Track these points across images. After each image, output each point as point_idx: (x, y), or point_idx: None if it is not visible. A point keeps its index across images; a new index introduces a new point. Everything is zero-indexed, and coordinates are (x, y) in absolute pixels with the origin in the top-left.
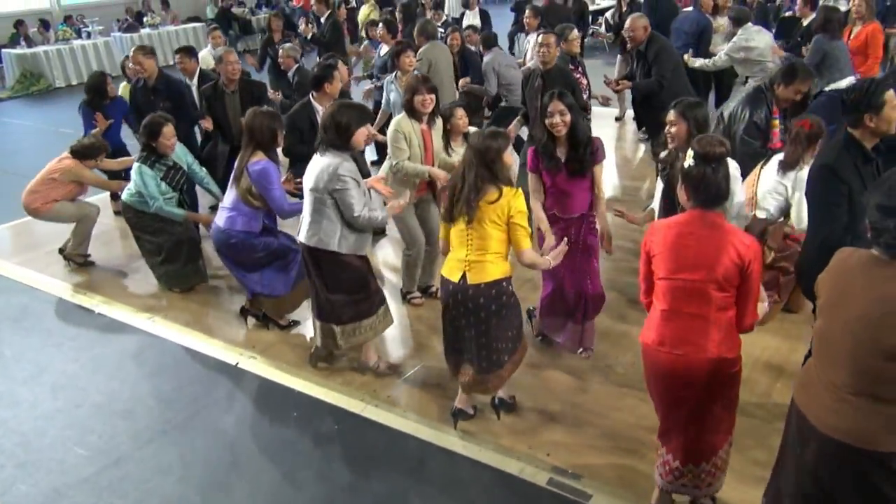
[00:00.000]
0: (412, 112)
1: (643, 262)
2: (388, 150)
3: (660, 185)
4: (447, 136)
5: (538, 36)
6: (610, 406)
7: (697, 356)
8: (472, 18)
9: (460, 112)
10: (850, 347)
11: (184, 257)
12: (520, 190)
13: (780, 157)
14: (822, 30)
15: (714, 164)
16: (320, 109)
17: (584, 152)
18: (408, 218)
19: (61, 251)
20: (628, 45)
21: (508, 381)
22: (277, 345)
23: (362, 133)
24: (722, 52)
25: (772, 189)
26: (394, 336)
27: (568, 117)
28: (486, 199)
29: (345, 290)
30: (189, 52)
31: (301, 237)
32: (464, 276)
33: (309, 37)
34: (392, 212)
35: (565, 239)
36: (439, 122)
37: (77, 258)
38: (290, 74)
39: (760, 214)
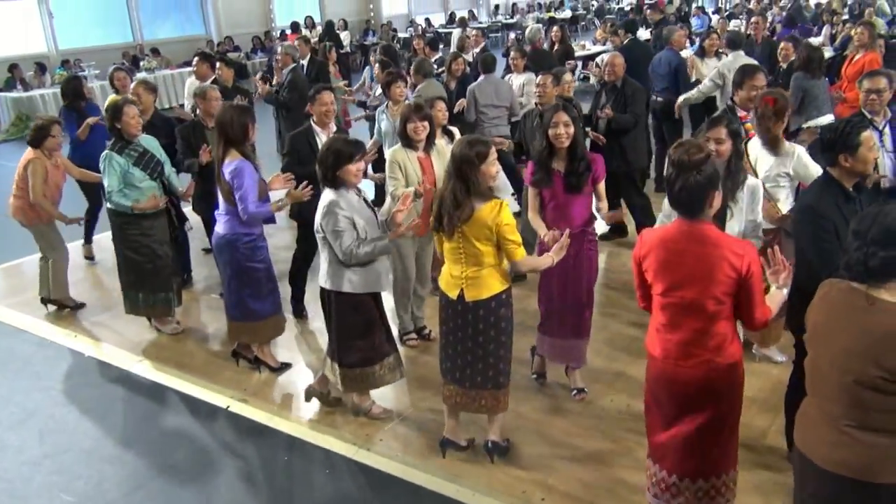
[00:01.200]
0: (407, 141)
1: (635, 270)
2: (387, 179)
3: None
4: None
5: (537, 77)
6: (607, 449)
7: (699, 367)
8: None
9: (440, 104)
10: (838, 380)
11: (152, 285)
12: (504, 202)
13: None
14: (803, 68)
15: (691, 171)
16: (318, 131)
17: (582, 168)
18: (405, 250)
19: (44, 301)
20: (605, 79)
21: (502, 422)
22: (268, 388)
23: (351, 169)
24: (707, 78)
25: (773, 177)
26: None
27: (571, 129)
28: (466, 215)
29: (352, 334)
30: (203, 56)
31: (319, 280)
32: (462, 293)
33: (264, 93)
34: (395, 236)
35: (567, 231)
36: (442, 147)
37: (67, 301)
38: (284, 72)
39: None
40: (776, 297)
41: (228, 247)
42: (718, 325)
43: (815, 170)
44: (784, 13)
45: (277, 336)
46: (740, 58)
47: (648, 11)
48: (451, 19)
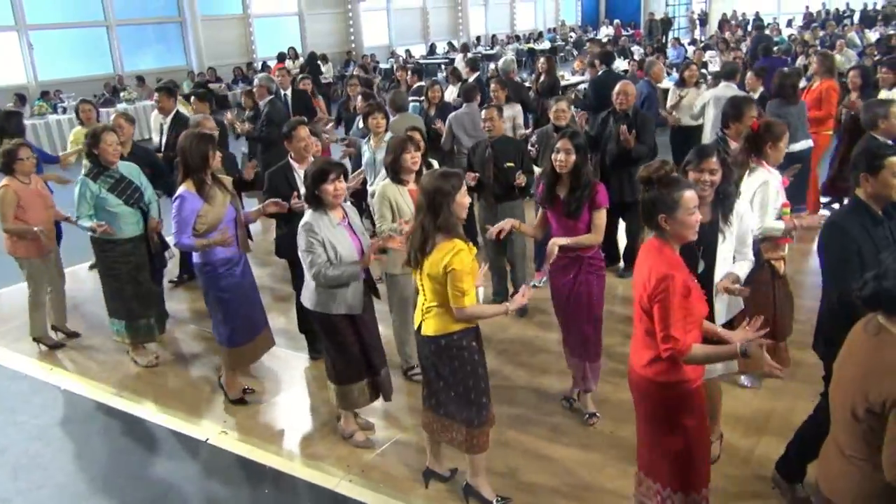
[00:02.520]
0: (397, 175)
1: None
2: (375, 214)
3: None
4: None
5: (483, 111)
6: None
7: (633, 370)
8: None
9: (416, 135)
10: (839, 407)
11: (134, 310)
12: (464, 246)
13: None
14: (778, 95)
15: (645, 186)
16: (296, 167)
17: (581, 195)
18: (403, 290)
19: (36, 340)
20: (617, 108)
21: (482, 467)
22: (249, 419)
23: (328, 189)
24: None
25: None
26: (371, 407)
27: (572, 157)
28: (428, 249)
29: (329, 351)
30: (169, 91)
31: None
32: (420, 326)
33: (239, 131)
34: (365, 264)
35: (528, 288)
36: None
37: (64, 329)
38: (262, 104)
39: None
40: (722, 349)
41: (198, 273)
42: (646, 334)
43: (766, 208)
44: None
45: (245, 366)
46: (731, 89)
47: (589, 44)
48: (431, 50)
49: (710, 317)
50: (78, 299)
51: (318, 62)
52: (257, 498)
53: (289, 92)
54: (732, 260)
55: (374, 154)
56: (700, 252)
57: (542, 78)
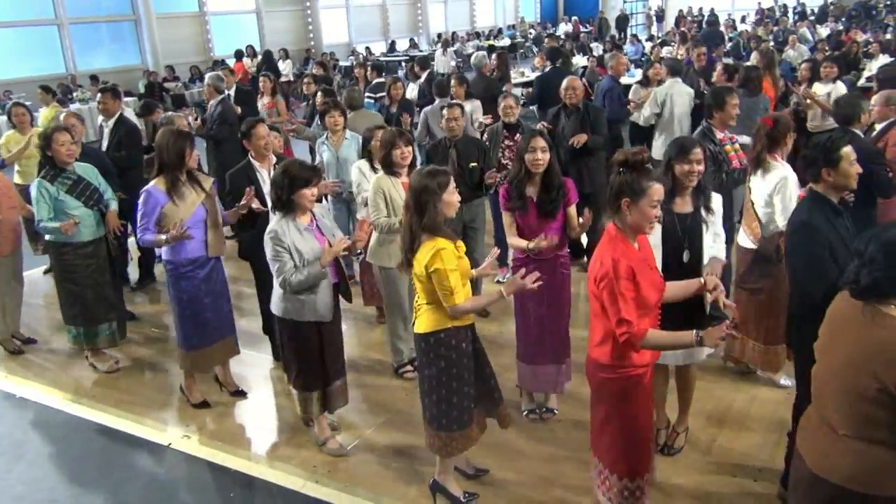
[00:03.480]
0: (390, 168)
1: None
2: (369, 206)
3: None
4: (370, 157)
5: (443, 109)
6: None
7: (588, 356)
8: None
9: (378, 133)
10: (839, 390)
11: (94, 316)
12: (445, 248)
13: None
14: (743, 86)
15: (616, 168)
16: (258, 166)
17: (556, 194)
18: (399, 284)
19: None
20: (567, 103)
21: (448, 468)
22: (213, 423)
23: (306, 194)
24: (645, 106)
25: (765, 200)
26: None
27: (547, 155)
28: (415, 247)
29: (292, 358)
30: (114, 93)
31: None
32: (413, 323)
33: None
34: (325, 263)
35: (522, 271)
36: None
37: (19, 336)
38: (212, 104)
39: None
40: (683, 336)
41: (167, 272)
42: (596, 317)
43: (788, 204)
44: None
45: (200, 372)
46: (677, 84)
47: (547, 40)
48: (391, 47)
49: (701, 304)
50: (31, 304)
51: (278, 60)
52: (223, 502)
53: (232, 91)
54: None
55: (337, 152)
56: (686, 243)
57: (493, 73)
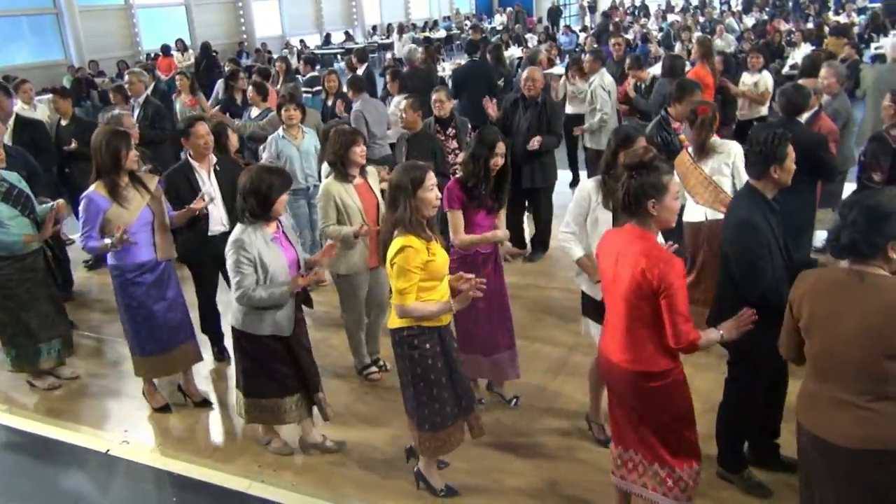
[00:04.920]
0: (344, 173)
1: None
2: (318, 213)
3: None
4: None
5: (401, 103)
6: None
7: (616, 364)
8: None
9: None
10: (857, 358)
11: (37, 335)
12: (414, 244)
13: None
14: (669, 74)
15: (631, 172)
16: (196, 166)
17: (504, 190)
18: (358, 289)
19: None
20: (525, 94)
21: (431, 466)
22: (151, 426)
23: (283, 200)
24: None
25: (717, 169)
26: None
27: (503, 159)
28: (383, 240)
29: (245, 367)
30: (5, 90)
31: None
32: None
33: None
34: (293, 290)
35: (479, 280)
36: (372, 170)
37: None
38: (137, 101)
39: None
40: (711, 335)
41: (111, 277)
42: (632, 325)
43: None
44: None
45: (155, 377)
46: (606, 74)
47: (471, 32)
48: (326, 40)
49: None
50: None
51: (214, 53)
52: None
53: (149, 91)
54: None
55: (299, 146)
56: None
57: (422, 68)
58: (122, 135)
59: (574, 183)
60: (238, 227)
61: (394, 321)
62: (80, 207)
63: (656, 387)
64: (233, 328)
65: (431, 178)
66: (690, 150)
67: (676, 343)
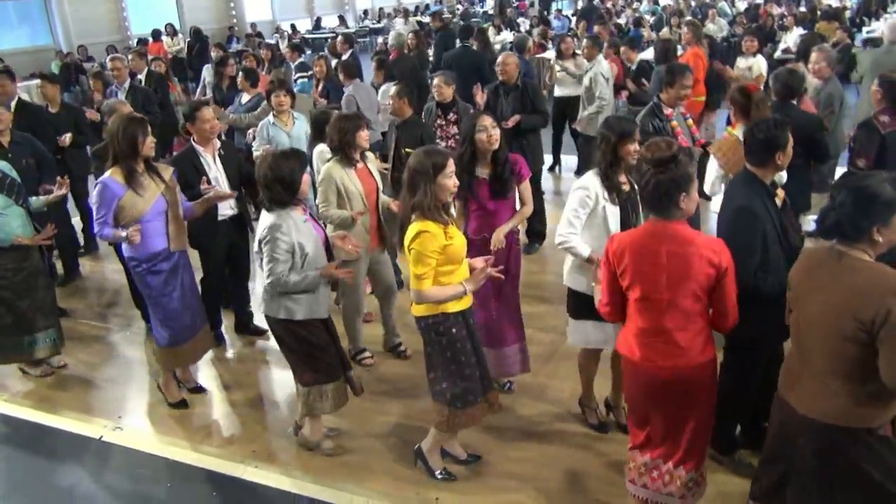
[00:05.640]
0: (345, 156)
1: (606, 273)
2: (318, 197)
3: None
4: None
5: (390, 91)
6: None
7: (682, 366)
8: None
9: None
10: (822, 335)
11: (31, 325)
12: (431, 229)
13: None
14: (663, 60)
15: (659, 167)
16: (201, 151)
17: (505, 171)
18: (358, 273)
19: None
20: (500, 79)
21: (436, 439)
22: (144, 413)
23: (306, 180)
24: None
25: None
26: (277, 389)
27: (498, 132)
28: (401, 226)
29: (297, 359)
30: (9, 74)
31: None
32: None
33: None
34: (325, 274)
35: (491, 260)
36: (370, 156)
37: None
38: (122, 87)
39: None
40: None
41: (132, 271)
42: (697, 323)
43: None
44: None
45: (178, 367)
46: (603, 61)
47: (430, 19)
48: (317, 24)
49: None
50: None
51: (206, 37)
52: (159, 493)
53: (143, 76)
54: None
55: (290, 132)
56: (634, 218)
57: (410, 53)
58: (139, 121)
59: (553, 168)
60: (267, 215)
61: (417, 308)
62: (95, 192)
63: (709, 375)
64: (275, 320)
65: (452, 165)
66: (739, 132)
67: (734, 320)
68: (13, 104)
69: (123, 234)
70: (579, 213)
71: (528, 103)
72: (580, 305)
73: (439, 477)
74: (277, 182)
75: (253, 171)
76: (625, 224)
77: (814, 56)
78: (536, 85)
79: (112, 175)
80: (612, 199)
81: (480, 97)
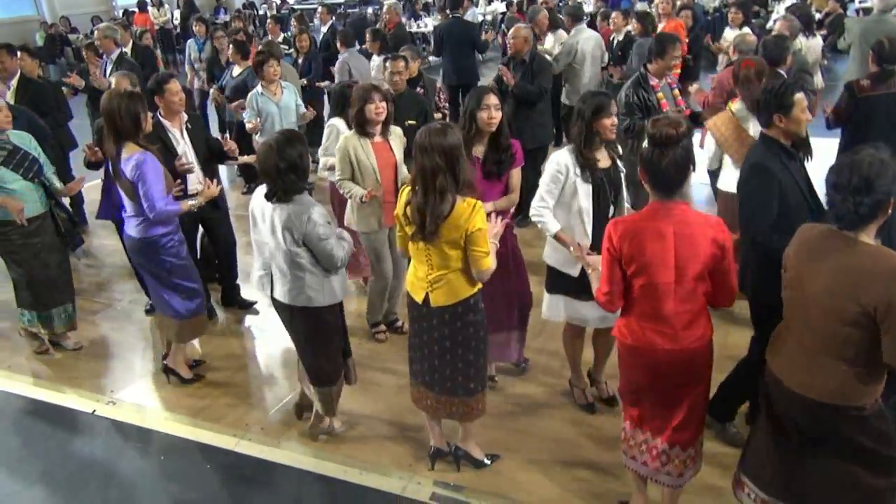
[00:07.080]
0: (361, 127)
1: (608, 260)
2: (336, 166)
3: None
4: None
5: (385, 61)
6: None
7: (683, 348)
8: None
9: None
10: (819, 315)
11: (49, 299)
12: (479, 203)
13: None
14: (644, 34)
15: (675, 146)
16: (168, 125)
17: (504, 154)
18: (380, 247)
19: None
20: (510, 52)
21: (473, 431)
22: (137, 386)
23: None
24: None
25: None
26: (271, 365)
27: (500, 113)
28: (447, 212)
29: (317, 350)
30: (10, 49)
31: (278, 295)
32: (427, 298)
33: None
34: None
35: (500, 218)
36: (396, 130)
37: None
38: (109, 60)
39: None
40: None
41: (149, 249)
42: (698, 304)
43: None
44: None
45: (196, 337)
46: (583, 30)
47: None
48: None
49: None
50: None
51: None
52: (152, 465)
53: (128, 48)
54: None
55: (279, 102)
56: (612, 197)
57: (390, 31)
58: (138, 97)
59: (558, 143)
60: (292, 206)
61: (447, 297)
62: (144, 171)
63: (706, 355)
64: (312, 310)
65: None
66: (735, 108)
67: (732, 297)
68: (14, 81)
69: (192, 202)
70: (552, 188)
71: (531, 78)
72: (553, 280)
73: (488, 462)
74: (291, 171)
75: (220, 144)
76: (599, 202)
77: (779, 24)
78: (545, 61)
79: (139, 150)
80: (585, 177)
81: (509, 78)
